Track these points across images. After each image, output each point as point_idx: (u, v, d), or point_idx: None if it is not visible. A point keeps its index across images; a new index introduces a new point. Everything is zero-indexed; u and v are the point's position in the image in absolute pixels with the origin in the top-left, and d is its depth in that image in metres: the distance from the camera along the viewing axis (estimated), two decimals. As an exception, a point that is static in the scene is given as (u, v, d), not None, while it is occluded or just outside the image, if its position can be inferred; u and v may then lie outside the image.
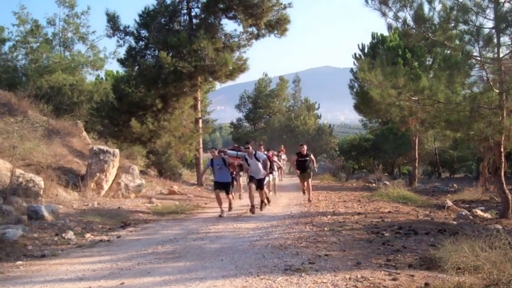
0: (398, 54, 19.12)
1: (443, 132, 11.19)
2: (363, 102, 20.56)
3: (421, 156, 23.97)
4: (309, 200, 11.22)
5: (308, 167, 11.07)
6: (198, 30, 14.77)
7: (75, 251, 5.87)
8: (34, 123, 12.20)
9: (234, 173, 10.65)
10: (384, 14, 8.64)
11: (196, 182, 17.11)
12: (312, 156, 11.29)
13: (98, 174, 11.10)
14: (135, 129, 14.08)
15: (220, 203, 9.13)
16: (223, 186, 9.23)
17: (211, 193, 14.67)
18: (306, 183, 11.22)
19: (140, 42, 16.06)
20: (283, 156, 17.37)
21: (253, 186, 9.05)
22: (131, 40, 16.01)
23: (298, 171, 11.19)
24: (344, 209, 9.69)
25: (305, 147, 11.32)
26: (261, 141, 14.92)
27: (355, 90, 23.36)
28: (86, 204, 9.75)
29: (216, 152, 9.52)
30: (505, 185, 8.93)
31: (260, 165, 9.14)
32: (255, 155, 9.16)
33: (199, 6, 16.19)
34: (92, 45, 25.02)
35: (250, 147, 9.24)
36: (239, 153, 9.70)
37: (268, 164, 9.44)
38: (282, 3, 15.73)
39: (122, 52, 22.03)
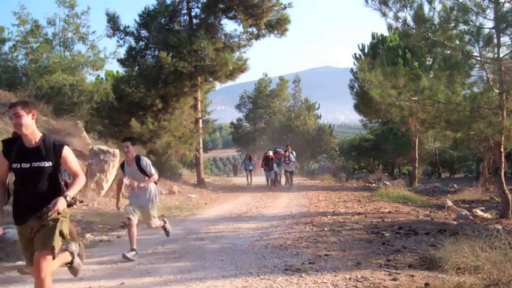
0: (398, 54, 19.13)
1: (443, 133, 11.21)
2: (363, 102, 20.57)
3: (421, 157, 23.96)
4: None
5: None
6: (198, 30, 14.78)
7: (75, 251, 5.86)
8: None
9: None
10: (384, 14, 8.65)
11: (196, 182, 17.14)
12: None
13: (98, 174, 11.10)
14: (135, 129, 14.07)
15: None
16: None
17: (211, 193, 14.69)
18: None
19: (140, 42, 16.10)
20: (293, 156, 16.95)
21: None
22: (131, 40, 16.06)
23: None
24: (344, 209, 9.68)
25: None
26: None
27: (355, 90, 23.36)
28: (86, 204, 9.74)
29: None
30: (505, 185, 8.93)
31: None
32: None
33: (199, 6, 16.23)
34: (92, 45, 25.13)
35: None
36: None
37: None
38: (282, 3, 15.77)
39: (122, 52, 22.08)
